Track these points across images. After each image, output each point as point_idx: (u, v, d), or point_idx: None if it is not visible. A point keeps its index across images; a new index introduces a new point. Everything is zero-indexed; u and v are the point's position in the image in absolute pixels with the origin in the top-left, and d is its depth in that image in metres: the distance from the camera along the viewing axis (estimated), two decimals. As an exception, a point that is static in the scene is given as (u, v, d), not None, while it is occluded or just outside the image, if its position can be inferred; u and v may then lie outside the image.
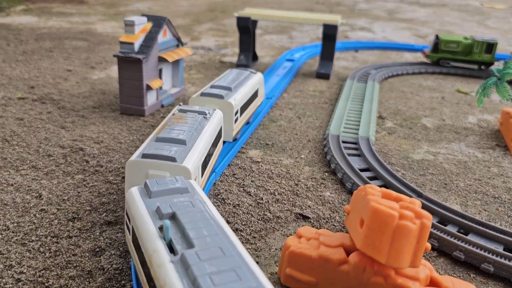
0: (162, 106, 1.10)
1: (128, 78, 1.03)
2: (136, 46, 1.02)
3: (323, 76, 1.39)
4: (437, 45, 1.49)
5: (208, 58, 1.59)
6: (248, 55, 1.46)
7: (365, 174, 0.75)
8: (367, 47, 1.85)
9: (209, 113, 0.71)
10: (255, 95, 0.95)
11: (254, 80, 0.94)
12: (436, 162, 0.85)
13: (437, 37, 1.50)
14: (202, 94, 0.82)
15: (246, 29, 1.42)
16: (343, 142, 0.88)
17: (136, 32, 1.03)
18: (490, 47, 1.48)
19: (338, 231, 0.63)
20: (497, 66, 0.99)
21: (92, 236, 0.59)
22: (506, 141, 0.95)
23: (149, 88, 1.03)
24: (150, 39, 1.04)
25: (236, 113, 0.82)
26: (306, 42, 1.93)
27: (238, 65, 1.45)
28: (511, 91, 0.95)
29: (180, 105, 0.73)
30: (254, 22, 1.46)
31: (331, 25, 1.34)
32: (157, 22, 1.06)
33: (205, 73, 1.40)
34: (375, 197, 0.46)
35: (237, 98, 0.82)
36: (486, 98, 0.97)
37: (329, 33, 1.35)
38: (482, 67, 1.51)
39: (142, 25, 1.04)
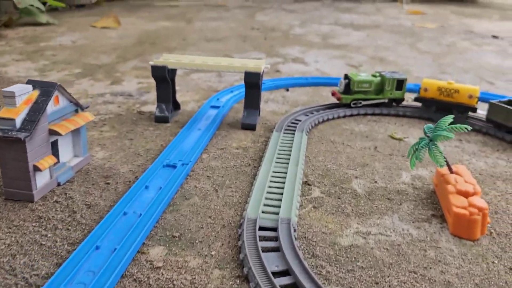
0: (59, 184, 0.94)
1: (11, 159, 0.87)
2: (18, 122, 0.86)
3: (248, 127, 1.28)
4: (349, 86, 1.42)
5: (127, 107, 1.45)
6: (168, 105, 1.33)
7: (283, 281, 0.63)
8: (299, 84, 1.77)
9: None
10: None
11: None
12: (367, 248, 0.75)
13: (346, 76, 1.43)
14: None
15: (163, 78, 1.29)
16: (261, 228, 0.77)
17: (18, 104, 0.87)
18: (400, 83, 1.44)
19: None
20: (428, 125, 0.91)
21: None
22: (442, 209, 0.88)
23: (37, 169, 0.87)
24: (36, 111, 0.88)
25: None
26: (236, 81, 1.82)
27: (157, 118, 1.31)
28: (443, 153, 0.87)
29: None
30: (173, 70, 1.34)
31: (253, 73, 1.24)
32: (45, 89, 0.91)
33: (119, 130, 1.25)
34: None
35: None
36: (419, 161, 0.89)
37: (252, 82, 1.25)
38: (394, 103, 1.47)
39: (26, 95, 0.89)
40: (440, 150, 0.86)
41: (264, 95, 1.63)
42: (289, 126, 1.28)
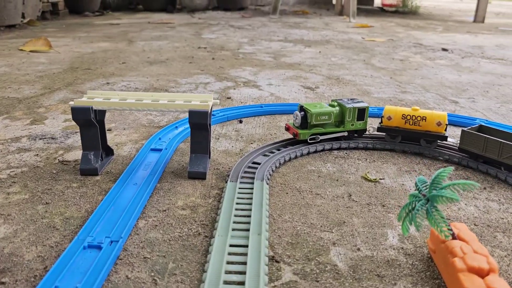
0: None
1: None
2: None
3: (197, 176, 1.06)
4: (306, 119, 1.23)
5: (46, 156, 1.18)
6: (96, 154, 1.08)
7: None
8: (253, 113, 1.57)
9: None
10: None
11: None
12: None
13: (302, 108, 1.24)
14: None
15: (88, 122, 1.05)
16: None
17: None
18: (362, 113, 1.28)
19: None
20: (421, 177, 0.73)
21: None
22: (445, 283, 0.69)
23: None
24: None
25: None
26: (183, 114, 1.60)
27: (83, 171, 1.06)
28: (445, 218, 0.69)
29: None
30: (102, 111, 1.10)
31: (199, 112, 1.02)
32: None
33: (33, 189, 0.99)
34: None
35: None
36: (414, 226, 0.70)
37: (198, 122, 1.03)
38: (355, 134, 1.31)
39: None
40: (442, 214, 0.68)
41: (215, 129, 1.42)
42: (246, 172, 1.07)
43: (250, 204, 0.92)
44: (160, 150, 1.20)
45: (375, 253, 0.79)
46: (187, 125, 1.40)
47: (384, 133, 1.32)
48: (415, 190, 0.74)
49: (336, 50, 3.09)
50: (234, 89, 1.94)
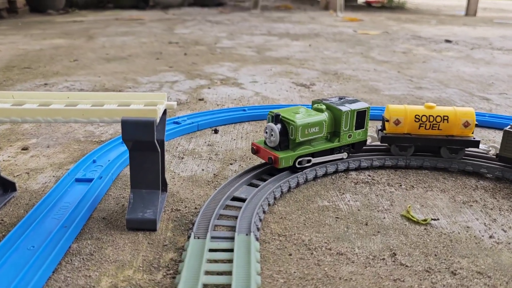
0: None
1: None
2: None
3: (140, 226, 0.65)
4: (286, 134, 0.79)
5: None
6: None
7: None
8: (233, 119, 1.16)
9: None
10: None
11: None
12: None
13: (277, 118, 0.79)
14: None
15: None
16: None
17: None
18: (362, 117, 0.86)
19: None
20: None
21: None
22: None
23: None
24: None
25: None
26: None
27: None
28: None
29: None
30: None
31: (140, 123, 0.61)
32: None
33: None
34: None
35: None
36: None
37: (139, 139, 0.62)
38: (352, 149, 0.88)
39: None
40: None
41: (178, 144, 1.01)
42: (222, 217, 0.67)
43: (229, 285, 0.51)
44: (89, 180, 0.78)
45: None
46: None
47: (388, 144, 0.92)
48: None
49: (328, 43, 2.70)
50: (209, 88, 1.53)
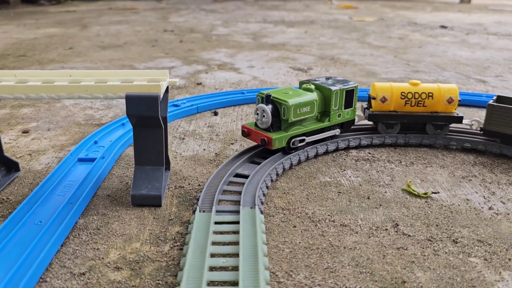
0: None
1: None
2: None
3: (145, 202, 0.66)
4: (277, 115, 0.78)
5: None
6: (-19, 171, 0.66)
7: None
8: (232, 102, 1.17)
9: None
10: None
11: None
12: None
13: (268, 98, 0.78)
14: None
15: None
16: None
17: None
18: (350, 96, 0.86)
19: None
20: None
21: None
22: None
23: None
24: None
25: None
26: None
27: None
28: None
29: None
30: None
31: (144, 98, 0.61)
32: None
33: None
34: None
35: None
36: None
37: (143, 114, 0.63)
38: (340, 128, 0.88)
39: None
40: None
41: (178, 126, 1.01)
42: (226, 193, 0.68)
43: (237, 254, 0.52)
44: (92, 160, 0.79)
45: None
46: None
47: (373, 122, 0.93)
48: None
49: (323, 30, 2.70)
50: (206, 73, 1.53)
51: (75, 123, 1.03)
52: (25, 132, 0.97)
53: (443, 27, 2.89)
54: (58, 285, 0.50)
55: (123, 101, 1.20)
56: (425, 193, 0.71)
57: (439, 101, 0.90)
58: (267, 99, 0.78)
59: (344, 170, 0.80)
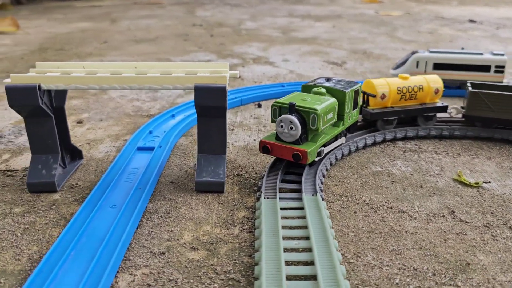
0: None
1: None
2: None
3: (209, 188, 0.69)
4: (304, 123, 0.69)
5: (-15, 161, 0.80)
6: (54, 159, 0.71)
7: None
8: (273, 95, 1.20)
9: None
10: None
11: None
12: None
13: (293, 107, 0.68)
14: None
15: (37, 110, 0.67)
16: None
17: None
18: (356, 97, 0.81)
19: None
20: None
21: None
22: None
23: None
24: None
25: None
26: (181, 96, 1.23)
27: (32, 186, 0.69)
28: None
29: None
30: (60, 92, 0.72)
31: (212, 89, 0.65)
32: None
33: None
34: None
35: None
36: None
37: (210, 105, 0.66)
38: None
39: None
40: None
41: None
42: (285, 181, 0.70)
43: (306, 237, 0.55)
44: (151, 149, 0.82)
45: None
46: (188, 113, 1.03)
47: (370, 119, 0.90)
48: None
49: (351, 24, 2.71)
50: (243, 66, 1.56)
51: (125, 114, 1.07)
52: (79, 122, 1.01)
53: (472, 21, 2.87)
54: (142, 263, 0.53)
55: (168, 93, 1.24)
56: (477, 183, 0.73)
57: (428, 92, 0.93)
58: (291, 109, 0.69)
59: (394, 160, 0.82)
